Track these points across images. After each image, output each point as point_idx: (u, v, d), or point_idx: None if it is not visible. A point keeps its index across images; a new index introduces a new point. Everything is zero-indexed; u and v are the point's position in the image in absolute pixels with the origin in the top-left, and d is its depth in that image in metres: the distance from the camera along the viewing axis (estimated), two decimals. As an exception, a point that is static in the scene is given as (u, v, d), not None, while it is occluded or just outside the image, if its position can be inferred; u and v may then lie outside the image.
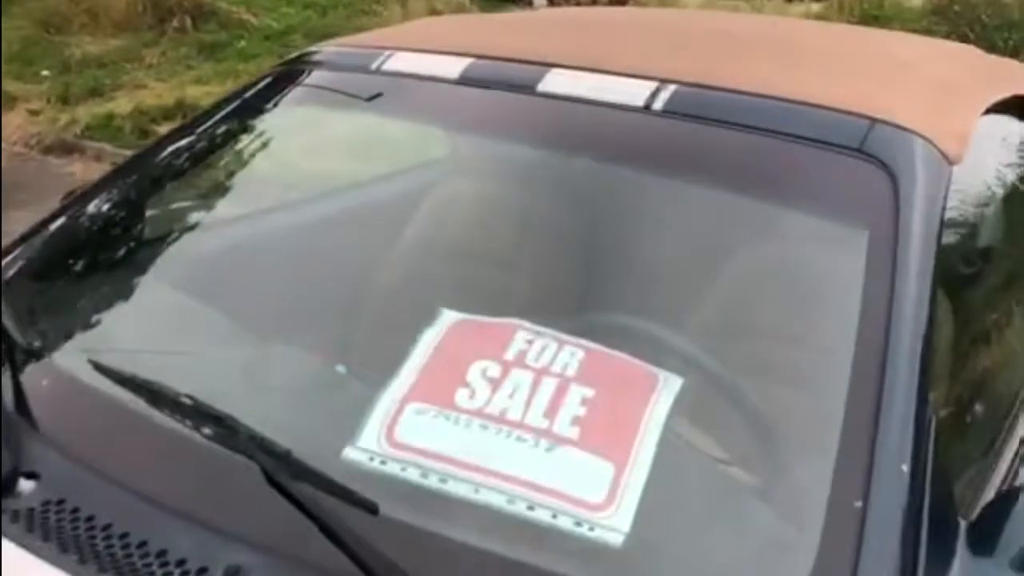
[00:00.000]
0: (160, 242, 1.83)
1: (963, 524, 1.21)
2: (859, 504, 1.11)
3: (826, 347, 1.31)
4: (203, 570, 1.12)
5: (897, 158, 1.42)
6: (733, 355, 1.41)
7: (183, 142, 1.93)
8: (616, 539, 1.10)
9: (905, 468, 1.13)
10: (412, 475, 1.17)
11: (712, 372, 1.35)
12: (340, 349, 1.62)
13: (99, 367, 1.32)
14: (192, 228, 1.91)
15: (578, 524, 1.12)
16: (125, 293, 1.69)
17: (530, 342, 1.28)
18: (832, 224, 1.40)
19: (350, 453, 1.20)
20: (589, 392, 1.22)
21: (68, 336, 1.51)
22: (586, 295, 1.66)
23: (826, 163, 1.43)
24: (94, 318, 1.59)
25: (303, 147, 2.16)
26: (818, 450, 1.19)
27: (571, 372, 1.24)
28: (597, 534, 1.11)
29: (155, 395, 1.26)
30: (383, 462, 1.19)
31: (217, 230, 1.91)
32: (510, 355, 1.26)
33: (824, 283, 1.41)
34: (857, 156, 1.42)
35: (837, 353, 1.25)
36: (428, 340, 1.30)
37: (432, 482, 1.16)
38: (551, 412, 1.20)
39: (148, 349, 1.46)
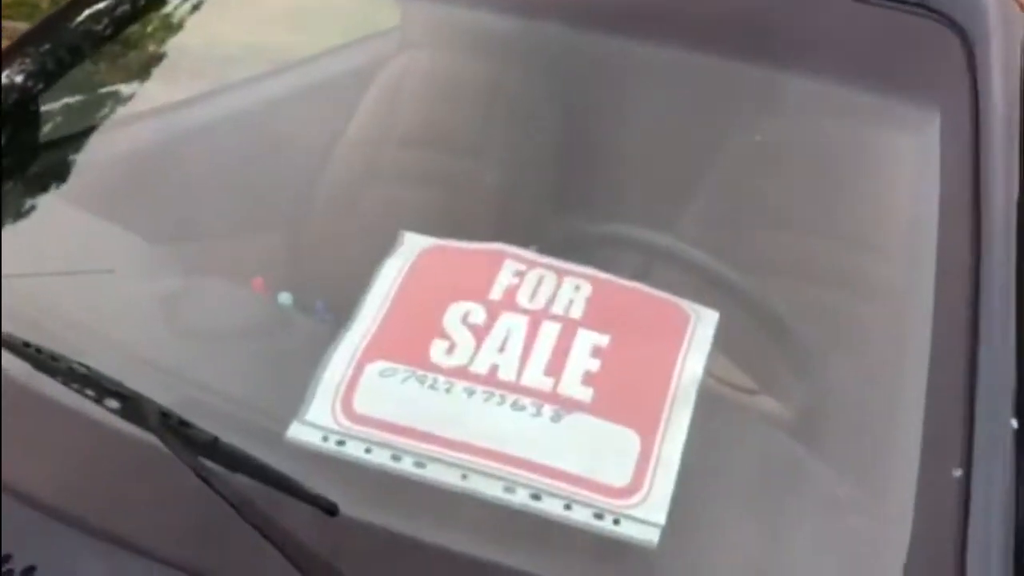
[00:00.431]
0: (58, 143, 1.51)
1: None
2: (958, 472, 0.87)
3: (899, 262, 1.05)
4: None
5: (969, 14, 1.12)
6: (776, 276, 1.14)
7: (92, 12, 1.57)
8: (648, 534, 0.85)
9: (1014, 422, 0.89)
10: (379, 458, 0.90)
11: (754, 301, 1.09)
12: (279, 276, 1.33)
13: None
14: (94, 121, 1.58)
15: (599, 516, 0.86)
16: (13, 212, 1.38)
17: (521, 274, 1.00)
18: (892, 101, 1.11)
19: (297, 432, 0.92)
20: (602, 339, 0.94)
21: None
22: (574, 197, 1.38)
23: (881, 22, 1.14)
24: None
25: (232, 18, 1.82)
26: (901, 401, 0.94)
27: (577, 313, 0.96)
28: (624, 528, 0.85)
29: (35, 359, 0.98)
30: (340, 441, 0.92)
31: (124, 125, 1.59)
32: (497, 293, 0.98)
33: (885, 177, 1.14)
34: (919, 13, 1.13)
35: (915, 268, 0.98)
36: (389, 276, 1.01)
37: (406, 466, 0.90)
38: (555, 368, 0.93)
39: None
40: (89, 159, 1.49)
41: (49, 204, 1.39)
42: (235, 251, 1.40)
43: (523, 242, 1.06)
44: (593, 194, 1.43)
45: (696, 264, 1.16)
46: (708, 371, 0.97)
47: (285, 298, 1.33)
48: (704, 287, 1.11)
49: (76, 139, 1.53)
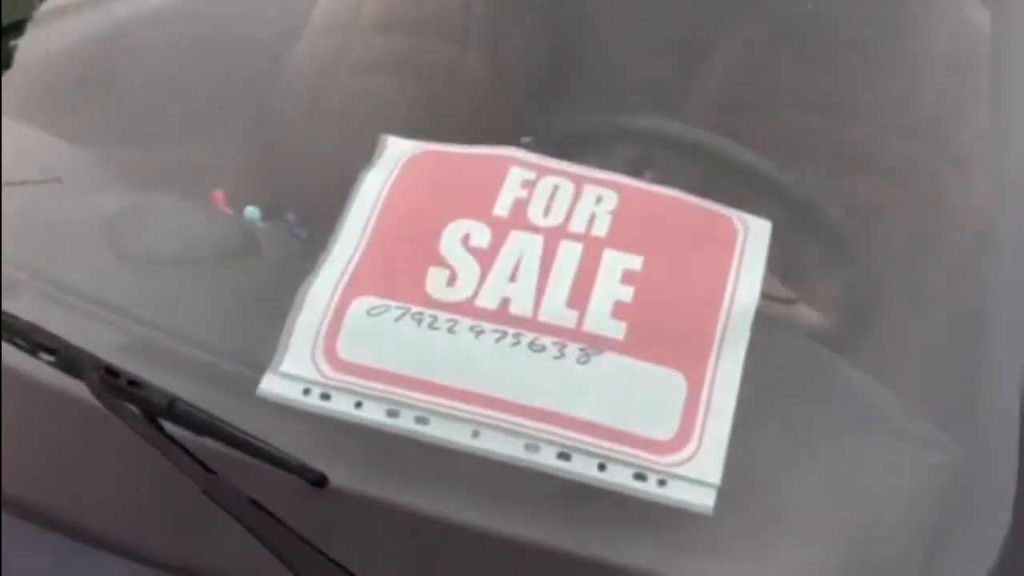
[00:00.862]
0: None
1: None
2: None
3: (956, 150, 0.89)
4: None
5: None
6: (813, 166, 0.98)
7: None
8: (702, 497, 0.71)
9: None
10: (373, 413, 0.75)
11: (792, 194, 0.93)
12: (242, 189, 1.16)
13: None
14: (22, 14, 1.37)
15: (640, 477, 0.71)
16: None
17: (531, 184, 0.83)
18: None
19: (271, 385, 0.77)
20: (634, 260, 0.78)
21: None
22: (572, 85, 1.21)
23: None
24: None
25: None
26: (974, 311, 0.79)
27: (602, 229, 0.80)
28: (672, 491, 0.71)
29: None
30: (325, 395, 0.76)
31: (56, 18, 1.38)
32: (503, 208, 0.81)
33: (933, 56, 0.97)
34: None
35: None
36: (372, 191, 0.84)
37: (405, 422, 0.75)
38: (579, 299, 0.77)
39: None
40: (16, 57, 1.30)
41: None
42: (190, 161, 1.22)
43: (513, 138, 0.90)
44: (593, 81, 1.26)
45: (718, 155, 1.01)
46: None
47: (251, 213, 1.16)
48: (729, 185, 0.96)
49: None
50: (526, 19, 1.36)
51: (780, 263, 0.93)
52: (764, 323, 0.77)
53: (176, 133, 1.28)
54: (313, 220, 1.11)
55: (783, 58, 1.16)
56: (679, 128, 1.04)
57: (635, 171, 0.88)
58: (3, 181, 1.00)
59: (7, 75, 1.25)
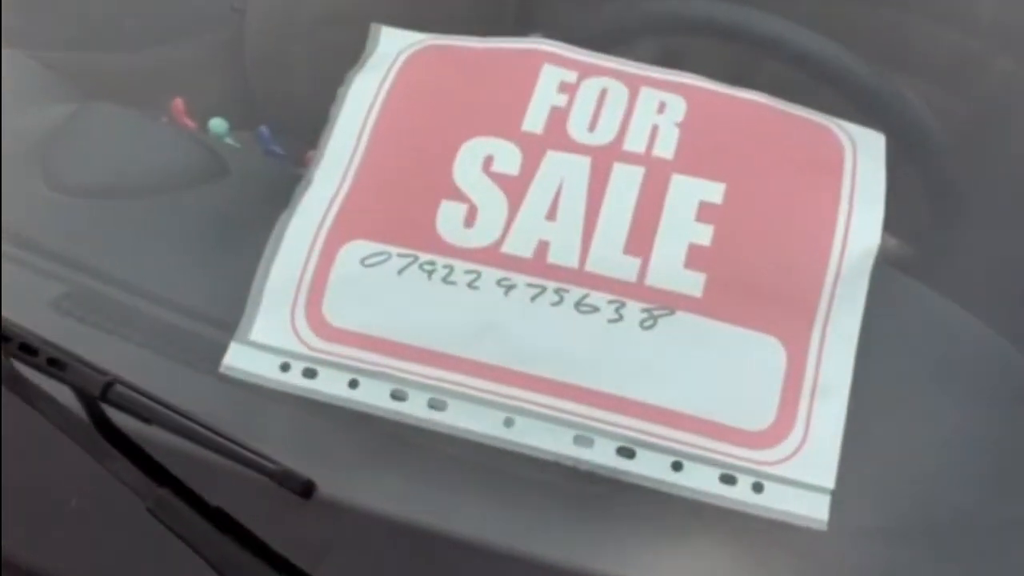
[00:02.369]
0: None
1: None
2: None
3: None
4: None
5: None
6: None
7: None
8: (813, 507, 0.53)
9: None
10: (372, 396, 0.57)
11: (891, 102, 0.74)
12: (206, 97, 0.96)
13: None
14: None
15: (729, 480, 0.54)
16: None
17: (569, 88, 0.63)
18: None
19: (238, 359, 0.59)
20: (714, 190, 0.59)
21: None
22: None
23: None
24: None
25: None
26: None
27: (668, 149, 0.61)
28: (769, 499, 0.54)
29: None
30: (309, 372, 0.58)
31: None
32: (536, 122, 0.62)
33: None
34: None
35: None
36: (363, 100, 0.65)
37: (416, 409, 0.57)
38: (641, 242, 0.58)
39: None
40: None
41: None
42: (144, 67, 1.02)
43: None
44: None
45: (776, 41, 0.81)
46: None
47: (218, 125, 0.97)
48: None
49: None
50: None
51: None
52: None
53: (132, 39, 1.07)
54: (294, 133, 0.92)
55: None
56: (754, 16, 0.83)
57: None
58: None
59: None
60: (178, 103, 0.97)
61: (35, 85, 0.93)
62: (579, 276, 0.58)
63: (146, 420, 0.56)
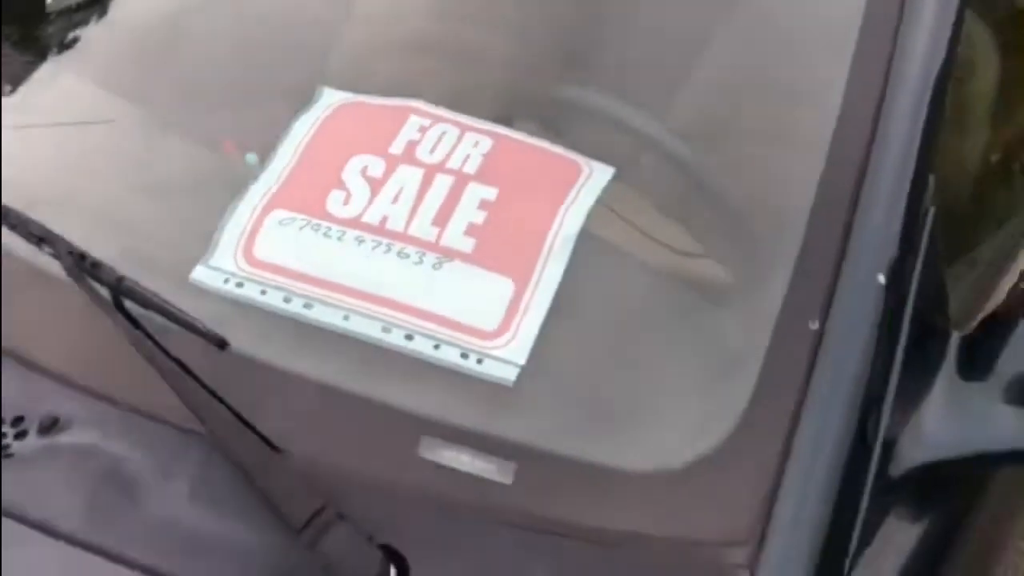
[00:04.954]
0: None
1: (954, 337, 0.97)
2: (814, 325, 0.87)
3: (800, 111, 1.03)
4: (19, 419, 0.93)
5: None
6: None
7: None
8: (507, 373, 0.88)
9: (881, 279, 0.88)
10: (272, 299, 0.95)
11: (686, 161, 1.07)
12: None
13: None
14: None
15: (464, 356, 0.90)
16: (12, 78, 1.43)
17: (423, 130, 1.01)
18: None
19: (201, 274, 0.98)
20: (490, 192, 0.96)
21: None
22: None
23: None
24: None
25: None
26: (777, 254, 0.94)
27: (471, 168, 0.98)
28: (485, 367, 0.89)
29: None
30: (239, 284, 0.97)
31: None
32: (397, 147, 1.01)
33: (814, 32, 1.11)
34: None
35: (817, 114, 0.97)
36: (301, 130, 1.05)
37: (295, 307, 0.94)
38: (441, 219, 0.95)
39: None
40: (94, 29, 1.53)
41: (52, 73, 1.43)
42: (235, 121, 1.41)
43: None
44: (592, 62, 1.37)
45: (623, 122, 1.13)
46: (637, 228, 0.99)
47: (251, 159, 1.37)
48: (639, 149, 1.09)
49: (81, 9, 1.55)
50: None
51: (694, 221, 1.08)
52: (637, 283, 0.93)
53: (226, 101, 1.47)
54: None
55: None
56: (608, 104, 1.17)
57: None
58: (58, 122, 1.23)
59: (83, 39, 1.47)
60: (229, 143, 1.38)
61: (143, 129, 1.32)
62: (402, 237, 0.95)
63: (138, 300, 0.94)
